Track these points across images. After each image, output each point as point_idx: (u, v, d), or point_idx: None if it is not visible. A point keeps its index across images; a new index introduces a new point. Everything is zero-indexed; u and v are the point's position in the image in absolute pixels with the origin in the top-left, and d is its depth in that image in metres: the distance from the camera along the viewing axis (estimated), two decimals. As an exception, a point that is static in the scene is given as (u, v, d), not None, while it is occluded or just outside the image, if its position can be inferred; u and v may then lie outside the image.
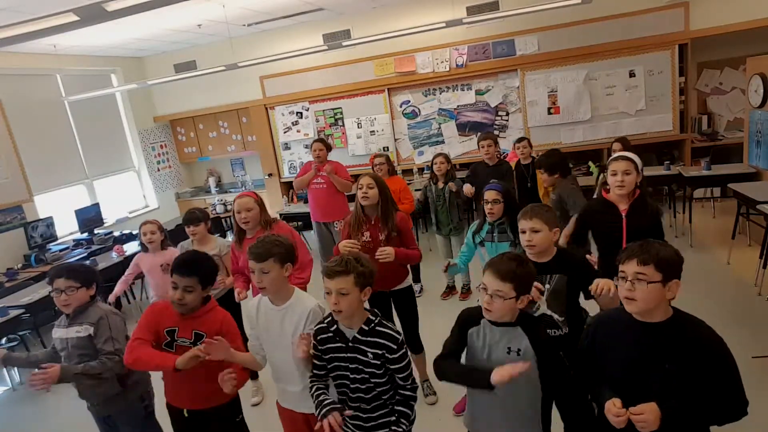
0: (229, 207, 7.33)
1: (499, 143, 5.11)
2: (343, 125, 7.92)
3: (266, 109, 8.17)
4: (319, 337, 1.99)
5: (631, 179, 2.66)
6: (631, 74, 6.76)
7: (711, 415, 1.62)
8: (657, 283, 1.57)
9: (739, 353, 3.56)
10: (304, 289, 2.84)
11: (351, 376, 1.95)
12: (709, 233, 5.79)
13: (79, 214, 6.57)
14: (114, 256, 5.59)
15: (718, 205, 6.56)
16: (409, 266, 3.29)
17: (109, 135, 7.88)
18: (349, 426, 2.00)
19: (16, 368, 4.44)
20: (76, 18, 3.39)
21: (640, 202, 2.70)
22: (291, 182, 8.31)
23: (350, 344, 1.92)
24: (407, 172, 7.80)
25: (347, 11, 7.12)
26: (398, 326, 3.20)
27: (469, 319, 1.94)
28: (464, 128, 7.54)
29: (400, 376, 1.94)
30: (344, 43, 6.24)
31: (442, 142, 7.65)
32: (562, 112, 7.05)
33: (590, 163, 6.54)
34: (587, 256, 2.48)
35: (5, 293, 4.85)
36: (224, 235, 7.16)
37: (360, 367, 1.92)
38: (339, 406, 1.91)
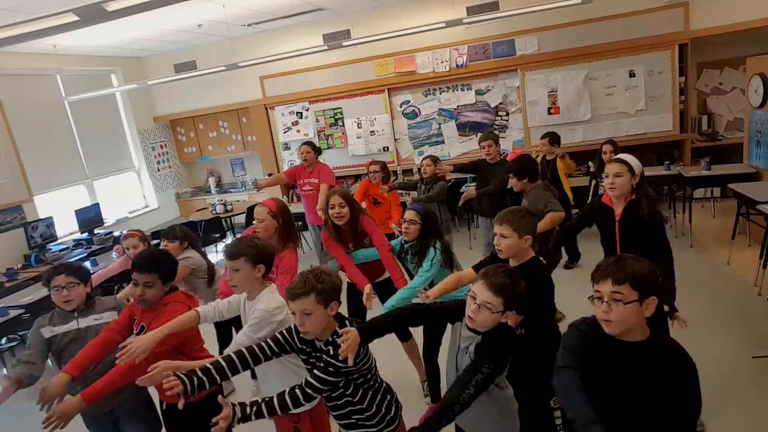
0: (228, 207, 7.34)
1: (499, 143, 5.14)
2: (343, 125, 7.92)
3: (266, 109, 8.17)
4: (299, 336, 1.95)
5: (622, 181, 2.62)
6: (631, 74, 6.76)
7: None
8: (634, 303, 1.50)
9: (739, 353, 3.58)
10: None
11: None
12: (709, 233, 5.79)
13: (79, 214, 6.58)
14: (114, 256, 5.57)
15: (718, 205, 6.56)
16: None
17: (109, 135, 7.88)
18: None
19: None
20: (76, 18, 3.39)
21: (634, 207, 2.65)
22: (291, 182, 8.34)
23: (318, 354, 1.91)
24: (407, 172, 7.81)
25: (347, 11, 7.12)
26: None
27: (455, 312, 1.99)
28: (464, 128, 7.54)
29: (318, 366, 1.83)
30: (344, 43, 6.23)
31: (442, 142, 7.65)
32: (562, 112, 7.05)
33: (590, 163, 6.54)
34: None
35: (5, 293, 4.84)
36: (224, 235, 7.16)
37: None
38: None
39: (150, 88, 8.18)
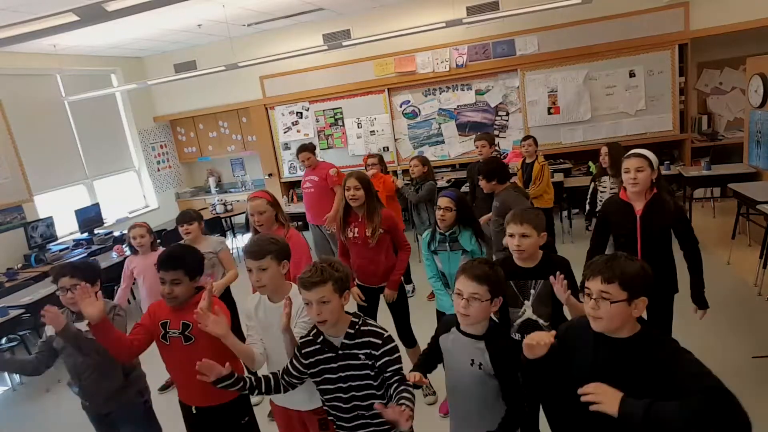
0: (228, 207, 7.34)
1: (495, 143, 5.17)
2: (343, 125, 7.92)
3: (266, 109, 8.17)
4: (304, 351, 1.94)
5: (644, 176, 2.56)
6: (631, 74, 6.76)
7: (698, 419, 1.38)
8: (622, 302, 1.50)
9: (739, 353, 3.58)
10: None
11: (344, 386, 1.90)
12: (709, 233, 5.78)
13: (79, 214, 6.58)
14: (114, 256, 5.59)
15: (718, 205, 6.56)
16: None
17: (109, 135, 7.88)
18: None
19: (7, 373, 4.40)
20: (76, 18, 3.39)
21: (656, 201, 2.61)
22: (291, 182, 8.35)
23: (340, 352, 1.88)
24: (407, 171, 7.79)
25: (347, 11, 7.12)
26: (392, 323, 3.27)
27: (442, 327, 2.02)
28: (464, 128, 7.54)
29: (391, 369, 1.83)
30: (344, 43, 6.24)
31: (442, 142, 7.65)
32: (562, 112, 7.05)
33: (590, 163, 6.54)
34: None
35: (5, 293, 4.84)
36: (224, 235, 7.16)
37: (352, 373, 1.87)
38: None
39: (150, 88, 8.18)
